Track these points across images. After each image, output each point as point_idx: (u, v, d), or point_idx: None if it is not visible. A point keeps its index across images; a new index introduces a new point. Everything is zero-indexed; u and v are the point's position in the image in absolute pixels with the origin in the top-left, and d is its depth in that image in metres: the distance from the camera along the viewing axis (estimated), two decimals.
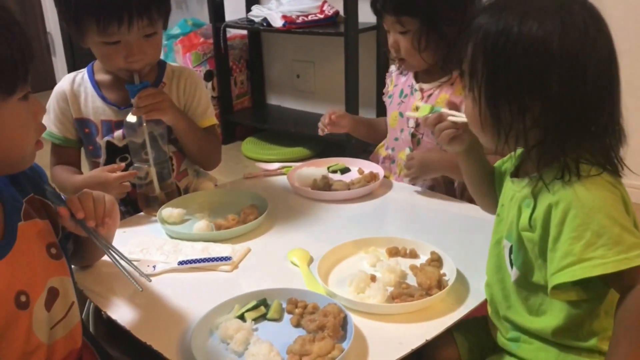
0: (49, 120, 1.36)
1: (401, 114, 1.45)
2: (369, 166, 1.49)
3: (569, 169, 0.78)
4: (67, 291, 0.86)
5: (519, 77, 0.77)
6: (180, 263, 1.07)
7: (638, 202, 1.18)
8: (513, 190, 0.87)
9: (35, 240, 0.84)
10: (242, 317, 0.91)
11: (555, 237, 0.77)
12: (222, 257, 1.08)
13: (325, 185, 1.36)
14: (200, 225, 1.19)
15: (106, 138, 1.36)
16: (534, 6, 0.78)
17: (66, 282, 0.87)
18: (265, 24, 2.86)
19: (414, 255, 1.07)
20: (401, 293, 0.93)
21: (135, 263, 1.04)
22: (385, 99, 1.54)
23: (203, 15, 3.36)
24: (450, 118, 0.99)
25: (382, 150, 1.54)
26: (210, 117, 1.44)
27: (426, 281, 0.94)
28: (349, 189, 1.35)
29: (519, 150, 0.90)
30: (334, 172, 1.50)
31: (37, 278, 0.82)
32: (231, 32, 3.20)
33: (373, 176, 1.41)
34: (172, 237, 1.18)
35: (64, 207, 0.90)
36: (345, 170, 1.50)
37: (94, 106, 1.36)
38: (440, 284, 0.95)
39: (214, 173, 1.56)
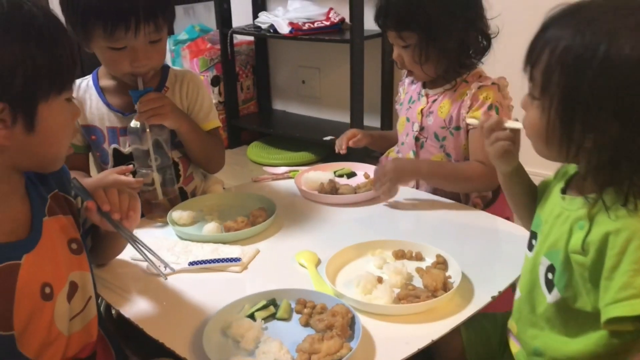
0: None
1: (408, 119, 1.50)
2: (374, 170, 1.51)
3: (636, 195, 0.74)
4: (85, 285, 0.90)
5: (601, 97, 0.73)
6: (191, 264, 1.09)
7: None
8: (562, 208, 0.84)
9: (59, 235, 0.88)
10: (252, 317, 0.93)
11: (614, 266, 0.74)
12: (231, 258, 1.10)
13: (332, 189, 1.39)
14: (210, 227, 1.21)
15: (113, 145, 1.37)
16: (624, 23, 0.73)
17: (85, 277, 0.90)
18: (271, 31, 2.89)
19: (419, 257, 1.10)
20: (407, 294, 0.95)
21: (146, 265, 1.08)
22: (397, 106, 1.59)
23: (210, 21, 3.40)
24: (507, 124, 0.96)
25: (393, 154, 1.58)
26: (213, 120, 1.45)
27: (432, 283, 0.96)
28: (355, 193, 1.37)
29: (571, 166, 0.86)
30: (341, 176, 1.52)
31: (60, 271, 0.86)
32: (238, 38, 3.24)
33: (380, 164, 1.42)
34: (182, 239, 1.21)
35: (92, 200, 0.93)
36: (351, 175, 1.53)
37: (99, 113, 1.37)
38: (445, 286, 0.97)
39: (220, 176, 1.58)
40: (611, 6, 0.76)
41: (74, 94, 1.35)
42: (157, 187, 1.32)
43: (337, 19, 2.83)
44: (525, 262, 0.93)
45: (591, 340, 0.80)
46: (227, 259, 1.10)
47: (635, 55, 0.71)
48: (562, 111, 0.77)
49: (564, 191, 0.87)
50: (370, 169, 1.53)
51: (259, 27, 2.98)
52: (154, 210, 1.33)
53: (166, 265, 1.01)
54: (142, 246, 0.98)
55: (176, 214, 1.27)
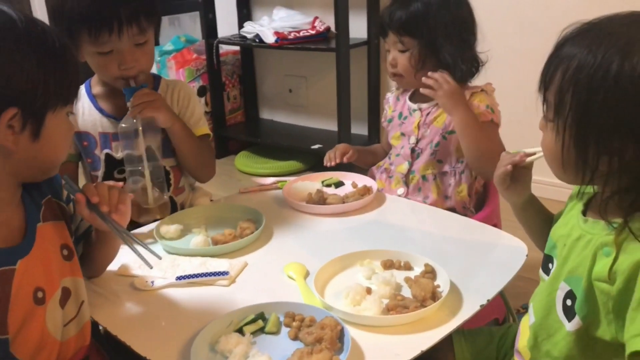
0: None
1: (403, 134, 1.55)
2: (362, 180, 1.51)
3: None
4: (77, 290, 0.92)
5: (615, 118, 0.70)
6: (178, 278, 1.08)
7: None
8: (582, 230, 0.80)
9: (52, 241, 0.90)
10: (240, 331, 0.92)
11: None
12: (219, 272, 1.09)
13: (320, 199, 1.38)
14: (197, 240, 1.21)
15: (105, 150, 1.39)
16: (633, 34, 0.71)
17: (77, 282, 0.92)
18: (257, 40, 2.89)
19: (408, 267, 1.09)
20: (396, 305, 0.95)
21: (133, 279, 1.09)
22: (385, 123, 1.63)
23: (196, 31, 3.39)
24: (529, 159, 0.95)
25: (385, 164, 1.60)
26: (203, 127, 1.48)
27: (420, 293, 0.96)
28: (344, 203, 1.37)
29: (589, 187, 0.82)
30: (328, 185, 1.52)
31: (53, 277, 0.88)
32: (224, 48, 3.23)
33: (367, 189, 1.43)
34: (169, 253, 1.20)
35: (80, 193, 0.95)
36: (339, 184, 1.53)
37: (91, 119, 1.39)
38: (434, 296, 0.97)
39: (208, 187, 1.57)
40: (625, 22, 0.74)
41: None
42: (148, 192, 1.32)
43: (323, 27, 2.83)
44: (541, 285, 0.90)
45: None
46: (215, 272, 1.09)
47: None
48: (575, 133, 0.75)
49: (584, 213, 0.83)
50: (358, 178, 1.53)
51: (245, 37, 2.98)
52: (142, 216, 1.33)
53: (154, 254, 0.98)
54: (130, 238, 0.98)
55: (163, 227, 1.26)
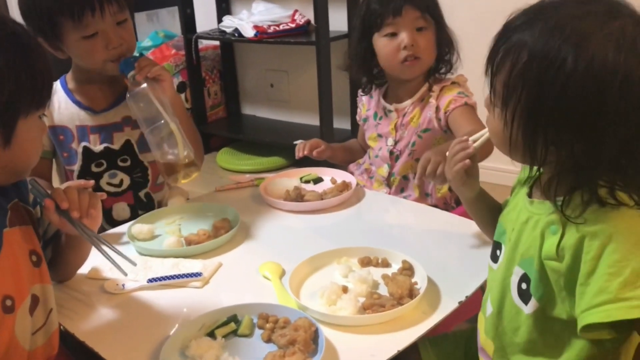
0: None
1: (379, 135, 1.51)
2: (341, 175, 1.49)
3: (602, 198, 0.70)
4: (46, 298, 0.89)
5: (566, 114, 0.69)
6: (150, 280, 1.05)
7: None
8: (530, 212, 0.79)
9: (20, 247, 0.86)
10: (212, 334, 0.90)
11: (589, 271, 0.70)
12: (192, 273, 1.06)
13: (297, 196, 1.36)
14: (170, 241, 1.18)
15: (83, 143, 1.36)
16: (587, 27, 0.67)
17: (46, 290, 0.89)
18: (237, 35, 2.85)
19: (385, 264, 1.07)
20: (372, 303, 0.93)
21: (104, 282, 1.06)
22: (360, 122, 1.59)
23: (174, 27, 3.34)
24: (477, 144, 0.93)
25: (365, 164, 1.58)
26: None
27: (397, 290, 0.94)
28: (322, 199, 1.35)
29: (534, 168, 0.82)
30: (307, 182, 1.49)
31: (22, 284, 0.84)
32: (203, 43, 3.19)
33: (345, 185, 1.41)
34: (141, 254, 1.17)
35: (49, 199, 0.91)
36: (317, 180, 1.50)
37: (68, 112, 1.36)
38: (411, 293, 0.95)
39: (188, 185, 1.54)
40: (577, 14, 0.69)
41: None
42: (178, 140, 1.26)
43: (303, 20, 2.80)
44: (491, 274, 0.89)
45: (570, 351, 0.76)
46: (188, 274, 1.06)
47: (606, 69, 0.66)
48: (524, 126, 0.73)
49: (529, 194, 0.82)
50: (337, 174, 1.50)
51: (224, 32, 2.94)
52: (171, 175, 1.29)
53: (128, 259, 0.96)
54: (103, 243, 0.95)
55: (135, 228, 1.23)
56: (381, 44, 1.41)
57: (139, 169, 1.41)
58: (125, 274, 0.97)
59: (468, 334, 1.04)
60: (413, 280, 0.99)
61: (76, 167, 1.37)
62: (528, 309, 0.79)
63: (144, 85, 1.26)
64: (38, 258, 0.89)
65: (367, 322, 0.90)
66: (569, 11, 0.70)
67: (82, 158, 1.37)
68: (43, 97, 0.85)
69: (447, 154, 0.97)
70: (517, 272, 0.81)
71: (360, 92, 1.60)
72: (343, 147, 1.68)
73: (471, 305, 1.32)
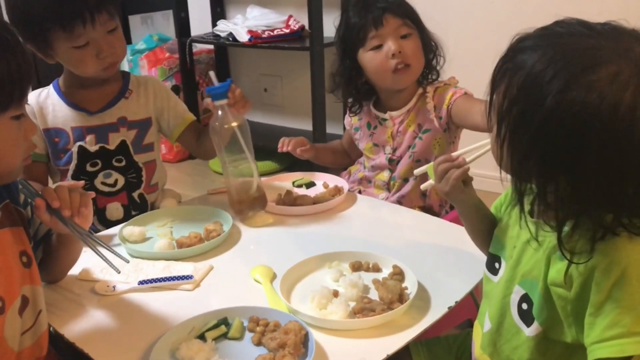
0: None
1: (375, 144, 1.51)
2: (333, 180, 1.49)
3: (611, 227, 0.68)
4: (36, 299, 0.88)
5: (545, 145, 0.67)
6: (141, 283, 1.05)
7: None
8: (533, 233, 0.77)
9: (11, 248, 0.85)
10: (202, 337, 0.90)
11: (601, 302, 0.68)
12: (183, 276, 1.06)
13: (289, 200, 1.36)
14: (161, 243, 1.18)
15: (78, 143, 1.36)
16: (584, 64, 0.65)
17: (36, 291, 0.88)
18: (231, 39, 2.85)
19: (376, 269, 1.08)
20: (363, 308, 0.93)
21: (94, 284, 1.07)
22: (352, 131, 1.58)
23: (169, 30, 3.34)
24: (471, 157, 0.93)
25: (359, 173, 1.57)
26: (189, 113, 1.51)
27: (387, 295, 0.94)
28: (314, 204, 1.35)
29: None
30: (299, 186, 1.50)
31: (13, 285, 0.83)
32: (197, 47, 3.19)
33: (337, 190, 1.41)
34: (133, 256, 1.16)
35: (40, 198, 0.90)
36: (310, 185, 1.50)
37: (63, 115, 1.37)
38: (402, 298, 0.96)
39: (181, 188, 1.54)
40: (585, 46, 0.67)
41: (33, 102, 1.37)
42: (253, 172, 1.26)
43: (297, 26, 2.81)
44: (489, 285, 0.88)
45: None
46: (179, 276, 1.06)
47: (583, 112, 0.64)
48: (510, 154, 0.72)
49: (532, 214, 0.79)
50: (329, 178, 1.51)
51: (218, 36, 2.95)
52: (244, 210, 1.27)
53: (120, 257, 0.96)
54: (95, 241, 0.95)
55: (127, 230, 1.23)
56: (368, 57, 1.40)
57: (134, 169, 1.41)
58: (118, 271, 0.96)
59: (460, 340, 1.04)
60: (403, 285, 0.99)
61: (71, 167, 1.38)
62: (530, 331, 0.78)
63: (234, 124, 1.23)
64: (28, 259, 0.89)
65: (357, 327, 0.91)
66: (573, 43, 0.68)
67: (78, 157, 1.37)
68: (9, 100, 0.80)
69: (436, 170, 0.94)
70: (517, 291, 0.80)
71: (349, 113, 1.58)
72: (326, 147, 1.67)
73: (460, 311, 1.33)
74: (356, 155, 1.64)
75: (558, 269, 0.73)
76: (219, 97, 1.24)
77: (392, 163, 1.48)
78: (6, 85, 0.79)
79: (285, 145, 1.52)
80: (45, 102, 1.38)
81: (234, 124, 1.24)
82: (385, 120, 1.48)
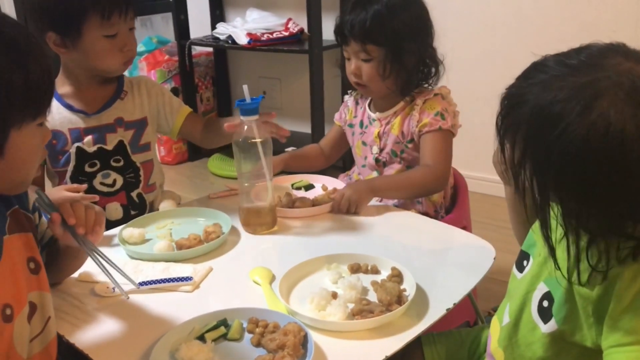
0: None
1: (364, 143, 1.53)
2: (332, 182, 1.50)
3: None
4: (44, 305, 0.87)
5: (565, 178, 0.68)
6: (141, 284, 1.06)
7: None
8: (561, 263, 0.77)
9: (19, 254, 0.85)
10: (202, 338, 0.90)
11: (623, 307, 0.69)
12: (182, 278, 1.07)
13: (288, 202, 1.37)
14: (161, 245, 1.18)
15: (76, 144, 1.37)
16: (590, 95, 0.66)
17: (44, 297, 0.88)
18: (230, 42, 2.86)
19: (375, 271, 1.08)
20: (361, 309, 0.94)
21: (94, 285, 1.07)
22: (346, 127, 1.60)
23: (168, 32, 3.35)
24: None
25: (354, 174, 1.59)
26: (185, 106, 1.52)
27: (386, 297, 0.95)
28: (313, 206, 1.35)
29: None
30: (298, 188, 1.50)
31: (21, 292, 0.83)
32: (196, 49, 3.20)
33: (336, 192, 1.41)
34: (132, 258, 1.17)
35: (56, 212, 0.91)
36: (309, 187, 1.51)
37: (60, 117, 1.37)
38: (400, 300, 0.96)
39: (180, 190, 1.55)
40: (578, 84, 0.67)
41: None
42: (268, 188, 1.24)
43: (296, 29, 2.82)
44: (514, 282, 0.89)
45: None
46: (178, 278, 1.06)
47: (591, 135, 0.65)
48: (533, 199, 0.73)
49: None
50: (328, 181, 1.51)
51: (217, 38, 2.96)
52: (256, 228, 1.26)
53: (130, 280, 0.98)
54: (106, 261, 0.95)
55: (126, 232, 1.23)
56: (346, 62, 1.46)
57: (132, 169, 1.42)
58: (127, 297, 0.99)
59: (474, 335, 1.05)
60: (402, 287, 1.00)
61: (69, 168, 1.38)
62: (546, 328, 0.79)
63: (259, 140, 1.20)
64: (36, 265, 0.88)
65: (356, 328, 0.91)
66: (564, 84, 0.68)
67: (76, 158, 1.38)
68: (41, 106, 0.80)
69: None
70: (540, 288, 0.81)
71: (346, 97, 1.60)
72: (299, 155, 1.65)
73: (458, 313, 1.33)
74: (336, 155, 1.66)
75: (583, 269, 0.73)
76: (249, 113, 1.20)
77: (379, 164, 1.50)
78: (40, 91, 0.78)
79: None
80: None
81: (259, 140, 1.21)
82: (374, 120, 1.51)
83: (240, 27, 2.85)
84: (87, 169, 1.39)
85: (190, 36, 3.10)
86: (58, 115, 1.37)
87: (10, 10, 3.41)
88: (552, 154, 0.67)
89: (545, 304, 0.80)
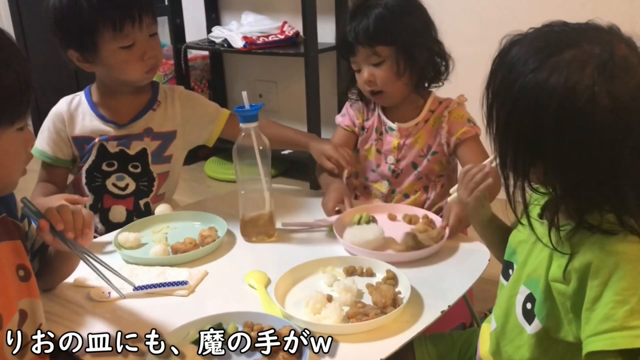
0: (43, 140, 1.40)
1: (378, 151, 1.47)
2: (390, 209, 1.37)
3: (601, 226, 0.71)
4: (35, 312, 0.87)
5: (531, 130, 0.71)
6: (136, 289, 1.06)
7: None
8: (540, 233, 0.78)
9: (7, 262, 0.84)
10: (197, 342, 0.90)
11: (595, 297, 0.70)
12: (178, 282, 1.07)
13: (416, 244, 1.17)
14: (156, 249, 1.18)
15: (102, 139, 1.38)
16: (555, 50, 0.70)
17: (35, 304, 0.87)
18: (226, 45, 2.87)
19: (370, 273, 1.08)
20: (356, 312, 0.94)
21: (89, 290, 1.07)
22: (357, 130, 1.50)
23: (164, 36, 3.35)
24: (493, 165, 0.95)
25: (353, 180, 1.55)
26: (223, 110, 1.50)
27: (381, 300, 0.95)
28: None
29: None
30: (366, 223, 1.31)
31: (10, 300, 0.82)
32: (192, 53, 3.20)
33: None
34: (128, 262, 1.17)
35: (44, 219, 0.90)
36: (372, 221, 1.30)
37: (91, 125, 1.39)
38: (395, 302, 0.96)
39: (176, 194, 1.55)
40: (562, 36, 0.72)
41: (64, 109, 1.39)
42: (267, 203, 1.23)
43: (292, 32, 2.82)
44: (501, 290, 0.90)
45: None
46: (173, 282, 1.07)
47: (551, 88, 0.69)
48: (500, 147, 0.76)
49: (541, 216, 0.82)
50: (389, 208, 1.37)
51: (213, 42, 2.96)
52: (253, 236, 1.25)
53: (126, 281, 0.98)
54: (99, 264, 0.95)
55: (122, 236, 1.23)
56: (356, 75, 1.42)
57: (147, 178, 1.42)
58: (123, 296, 0.99)
59: (466, 337, 1.05)
60: (397, 289, 1.00)
61: (87, 162, 1.39)
62: (531, 329, 0.80)
63: (259, 149, 1.19)
64: (26, 272, 0.87)
65: (351, 331, 0.92)
66: (550, 35, 0.73)
67: (97, 154, 1.39)
68: (17, 112, 0.79)
69: (462, 180, 0.98)
70: (522, 292, 0.82)
71: (351, 97, 1.51)
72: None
73: (454, 315, 1.33)
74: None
75: (558, 264, 0.75)
76: (248, 120, 1.19)
77: (394, 175, 1.46)
78: (16, 96, 0.78)
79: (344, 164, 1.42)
80: (77, 111, 1.40)
81: (258, 148, 1.20)
82: (392, 129, 1.44)
83: (236, 30, 2.85)
84: (105, 167, 1.40)
85: (186, 40, 3.11)
86: (90, 124, 1.39)
87: (7, 23, 3.42)
88: (514, 104, 0.71)
89: (529, 306, 0.81)
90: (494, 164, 0.95)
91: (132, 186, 1.41)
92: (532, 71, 0.69)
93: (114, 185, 1.41)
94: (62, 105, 1.41)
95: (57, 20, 1.28)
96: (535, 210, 0.85)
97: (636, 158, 0.69)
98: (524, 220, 0.81)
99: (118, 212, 1.42)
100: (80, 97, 1.42)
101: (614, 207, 0.71)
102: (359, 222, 1.26)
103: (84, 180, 1.41)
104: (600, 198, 0.71)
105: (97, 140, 1.38)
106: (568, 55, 0.69)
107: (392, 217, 1.33)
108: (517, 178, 0.75)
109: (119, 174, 1.40)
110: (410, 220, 1.30)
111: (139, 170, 1.41)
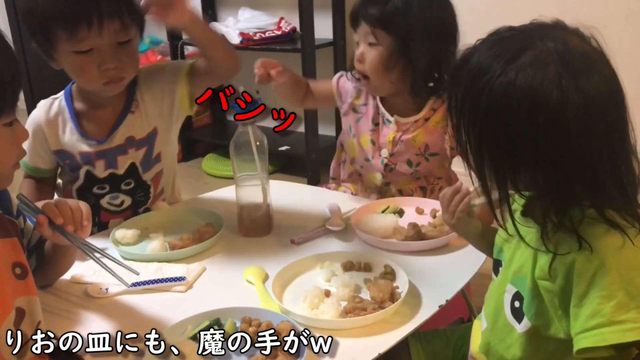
0: None
1: (373, 142, 1.44)
2: (422, 203, 1.36)
3: (582, 221, 0.71)
4: (33, 310, 0.86)
5: (505, 132, 0.71)
6: (133, 285, 1.05)
7: None
8: (523, 232, 0.78)
9: (2, 260, 0.83)
10: (195, 338, 0.90)
11: (582, 293, 0.70)
12: (175, 278, 1.07)
13: (417, 234, 1.18)
14: (154, 245, 1.18)
15: (86, 167, 1.31)
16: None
17: (32, 302, 0.86)
18: None
19: (368, 268, 1.08)
20: (354, 307, 0.94)
21: (87, 286, 1.07)
22: (346, 109, 1.48)
23: (160, 32, 3.34)
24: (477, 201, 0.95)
25: (348, 166, 1.54)
26: (182, 63, 1.37)
27: (379, 294, 0.95)
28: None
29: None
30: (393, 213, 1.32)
31: (5, 298, 0.82)
32: (189, 49, 3.19)
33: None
34: (125, 259, 1.17)
35: (42, 214, 0.89)
36: (401, 213, 1.33)
37: (71, 140, 1.30)
38: (393, 297, 0.96)
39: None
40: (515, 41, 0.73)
41: (42, 118, 1.30)
42: (264, 198, 1.21)
43: (289, 28, 2.82)
44: (490, 288, 0.90)
45: None
46: (171, 278, 1.07)
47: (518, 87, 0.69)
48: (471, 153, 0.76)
49: (524, 213, 0.82)
50: (419, 202, 1.36)
51: None
52: (251, 231, 1.24)
53: (129, 269, 0.96)
54: (101, 254, 0.95)
55: (119, 232, 1.23)
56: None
57: (142, 189, 1.37)
58: (128, 285, 0.98)
59: (460, 333, 1.05)
60: (394, 284, 1.00)
61: (76, 186, 1.33)
62: (520, 327, 0.80)
63: (255, 144, 1.18)
64: (23, 270, 0.87)
65: (349, 326, 0.92)
66: (502, 42, 0.74)
67: (85, 180, 1.32)
68: (4, 105, 0.77)
69: (442, 204, 0.99)
70: (509, 290, 0.82)
71: (342, 79, 1.49)
72: (299, 81, 1.56)
73: (452, 310, 1.34)
74: (311, 104, 1.60)
75: (544, 262, 0.75)
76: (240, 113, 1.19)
77: (386, 169, 1.44)
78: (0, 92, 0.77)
79: (260, 69, 1.43)
80: (56, 119, 1.30)
81: (255, 144, 1.19)
82: (389, 122, 1.41)
83: (233, 26, 2.85)
84: (96, 190, 1.33)
85: (182, 36, 3.09)
86: (70, 137, 1.31)
87: (2, 17, 3.40)
88: (481, 105, 0.71)
89: (517, 304, 0.81)
90: (479, 201, 0.95)
91: (127, 202, 1.36)
92: (498, 76, 0.70)
93: (109, 203, 1.35)
94: (40, 113, 1.31)
95: (22, 10, 1.20)
96: (519, 210, 0.85)
97: (612, 148, 0.70)
98: (509, 226, 0.80)
99: (116, 224, 1.34)
100: (60, 100, 1.32)
101: (594, 201, 0.71)
102: (383, 212, 1.28)
103: (75, 198, 1.33)
104: (581, 193, 0.71)
105: (79, 161, 1.31)
106: (526, 57, 0.69)
107: (420, 211, 1.33)
108: (501, 189, 0.74)
109: (112, 194, 1.34)
110: (435, 215, 1.28)
111: (132, 185, 1.34)
